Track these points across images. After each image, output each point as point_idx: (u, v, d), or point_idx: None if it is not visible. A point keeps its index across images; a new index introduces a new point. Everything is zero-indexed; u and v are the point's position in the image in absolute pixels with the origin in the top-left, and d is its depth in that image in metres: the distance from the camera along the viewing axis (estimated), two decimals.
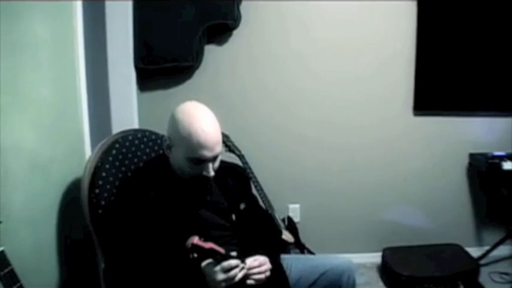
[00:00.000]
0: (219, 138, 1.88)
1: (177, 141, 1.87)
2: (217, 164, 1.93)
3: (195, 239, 1.74)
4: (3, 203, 1.75)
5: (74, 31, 2.42)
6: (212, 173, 1.88)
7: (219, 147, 1.88)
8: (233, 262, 1.75)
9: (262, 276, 1.85)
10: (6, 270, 1.51)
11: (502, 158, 3.47)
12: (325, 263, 2.17)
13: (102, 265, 2.50)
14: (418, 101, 3.64)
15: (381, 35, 3.59)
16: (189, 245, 1.74)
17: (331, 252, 3.24)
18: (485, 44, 3.57)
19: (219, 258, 1.75)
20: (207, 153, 1.83)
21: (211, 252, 1.75)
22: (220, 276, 1.73)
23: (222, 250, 1.77)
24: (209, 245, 1.75)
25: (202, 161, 1.86)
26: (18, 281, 1.54)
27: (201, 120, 1.84)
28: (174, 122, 1.88)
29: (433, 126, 3.72)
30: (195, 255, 1.75)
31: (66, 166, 2.29)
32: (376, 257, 3.69)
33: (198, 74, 3.49)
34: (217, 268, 1.74)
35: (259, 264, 1.85)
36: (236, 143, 3.12)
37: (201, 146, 1.81)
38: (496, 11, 3.52)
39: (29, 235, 1.95)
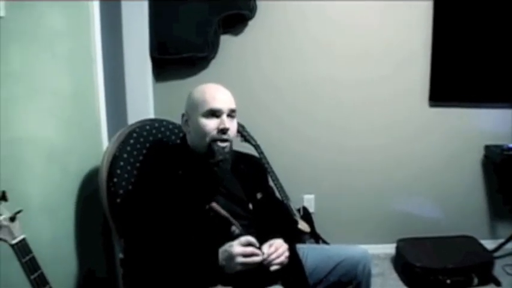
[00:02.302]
0: (232, 98, 2.01)
1: (193, 106, 1.98)
2: (233, 126, 2.00)
3: (214, 203, 1.82)
4: (22, 192, 1.78)
5: (91, 22, 2.42)
6: (228, 125, 1.95)
7: (233, 103, 2.00)
8: (251, 238, 1.78)
9: (282, 258, 1.87)
10: (27, 258, 1.52)
11: None
12: (341, 253, 2.18)
13: (119, 255, 2.54)
14: (434, 93, 3.63)
15: (396, 27, 3.58)
16: (207, 207, 1.83)
17: (345, 243, 3.23)
18: (501, 35, 3.53)
19: (235, 231, 1.78)
20: (222, 104, 1.95)
21: (226, 221, 1.79)
22: (237, 249, 1.75)
23: (238, 225, 1.80)
24: (225, 213, 1.80)
25: (217, 113, 1.94)
26: (39, 268, 1.55)
27: (214, 84, 2.05)
28: (189, 97, 2.03)
29: (449, 118, 3.70)
30: (211, 213, 1.83)
31: (83, 156, 2.31)
32: (389, 248, 3.70)
33: (213, 64, 3.50)
34: (235, 242, 1.77)
35: (275, 248, 1.86)
36: (251, 133, 3.13)
37: (215, 97, 1.96)
38: None
39: (47, 224, 1.97)
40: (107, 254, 2.52)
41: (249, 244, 1.79)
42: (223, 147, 1.97)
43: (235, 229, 1.82)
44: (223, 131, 1.95)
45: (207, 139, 1.94)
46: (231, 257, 1.76)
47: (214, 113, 1.94)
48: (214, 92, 1.97)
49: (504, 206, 3.83)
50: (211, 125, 1.94)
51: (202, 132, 1.95)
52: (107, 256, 2.53)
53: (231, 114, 1.99)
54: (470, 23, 3.52)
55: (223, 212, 1.82)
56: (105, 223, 2.28)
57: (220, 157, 1.97)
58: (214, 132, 1.94)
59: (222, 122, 1.94)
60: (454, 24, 3.52)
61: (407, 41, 3.59)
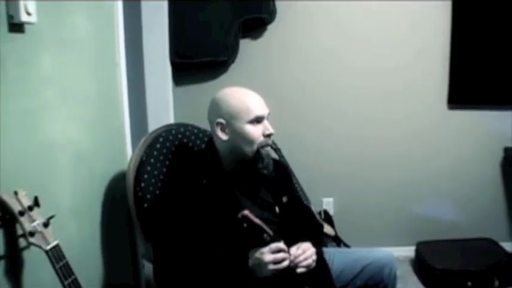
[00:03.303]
0: None
1: (234, 114, 1.95)
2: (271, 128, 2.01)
3: (246, 211, 1.80)
4: (53, 197, 1.79)
5: (115, 27, 2.44)
6: (272, 130, 1.98)
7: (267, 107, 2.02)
8: (281, 244, 1.78)
9: (309, 261, 1.87)
10: (61, 263, 1.52)
11: None
12: (367, 256, 2.18)
13: (143, 262, 2.54)
14: (453, 94, 3.61)
15: (415, 27, 3.57)
16: (240, 216, 1.80)
17: (364, 246, 3.23)
18: None
19: (267, 239, 1.78)
20: (263, 110, 1.98)
21: (259, 229, 1.79)
22: (268, 257, 1.75)
23: (270, 231, 1.80)
24: (258, 221, 1.79)
25: (260, 119, 1.96)
26: (72, 273, 1.55)
27: (243, 89, 2.05)
28: (221, 102, 1.99)
29: (468, 120, 3.68)
30: (245, 225, 1.81)
31: (108, 160, 2.32)
32: (408, 251, 3.69)
33: (233, 69, 3.52)
34: (265, 249, 1.76)
35: (302, 251, 1.86)
36: None
37: (256, 104, 1.97)
38: None
39: (75, 228, 1.97)
40: (131, 255, 2.54)
41: (279, 250, 1.79)
42: (268, 152, 2.01)
43: (266, 236, 1.82)
44: (269, 136, 1.99)
45: (255, 146, 1.95)
46: (261, 264, 1.76)
47: (259, 120, 1.95)
48: (255, 98, 1.99)
49: None
50: (258, 131, 1.95)
51: (249, 139, 1.95)
52: (132, 259, 2.54)
53: (268, 117, 2.01)
54: (488, 25, 3.49)
55: (256, 220, 1.82)
56: (130, 227, 2.30)
57: (267, 161, 2.00)
58: (262, 138, 1.96)
59: (267, 128, 1.97)
60: (473, 24, 3.50)
61: (425, 43, 3.59)
